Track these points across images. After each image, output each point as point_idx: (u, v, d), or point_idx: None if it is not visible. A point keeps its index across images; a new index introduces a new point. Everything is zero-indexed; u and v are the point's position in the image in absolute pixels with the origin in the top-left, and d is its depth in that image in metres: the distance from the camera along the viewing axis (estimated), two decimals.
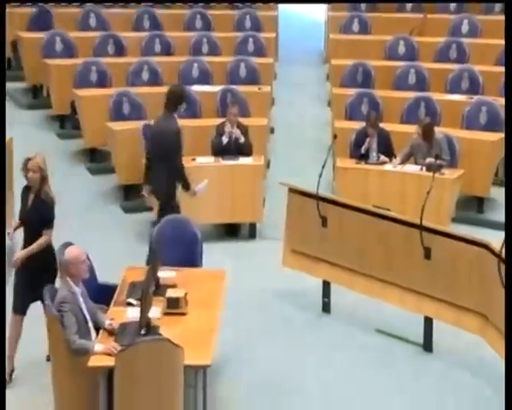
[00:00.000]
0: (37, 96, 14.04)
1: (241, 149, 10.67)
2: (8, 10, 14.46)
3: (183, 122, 11.56)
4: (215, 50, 14.11)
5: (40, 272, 7.25)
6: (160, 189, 9.43)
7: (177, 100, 9.56)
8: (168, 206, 9.24)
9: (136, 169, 10.71)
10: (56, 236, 7.50)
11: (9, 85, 14.32)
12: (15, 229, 7.62)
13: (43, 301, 6.96)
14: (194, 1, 15.67)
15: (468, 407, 7.39)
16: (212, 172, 10.43)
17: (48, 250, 7.36)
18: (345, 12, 15.39)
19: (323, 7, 16.70)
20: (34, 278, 7.27)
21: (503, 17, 14.47)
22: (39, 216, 7.27)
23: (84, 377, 6.39)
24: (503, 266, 7.33)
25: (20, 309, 7.40)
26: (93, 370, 6.26)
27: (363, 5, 15.50)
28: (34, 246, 7.23)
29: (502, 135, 11.18)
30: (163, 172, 9.35)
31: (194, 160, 10.60)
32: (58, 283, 6.90)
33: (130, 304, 6.92)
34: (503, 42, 13.52)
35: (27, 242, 7.34)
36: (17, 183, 9.64)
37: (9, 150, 9.56)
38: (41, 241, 7.25)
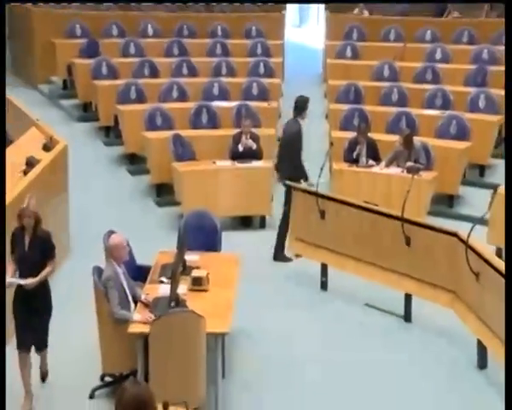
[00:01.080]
0: (87, 111, 14.01)
1: (254, 155, 10.70)
2: (63, 41, 14.69)
3: (205, 132, 11.71)
4: (232, 73, 14.12)
5: (38, 306, 6.69)
6: (286, 178, 9.64)
7: (301, 107, 9.88)
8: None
9: (167, 171, 10.77)
10: (102, 225, 7.55)
11: (65, 102, 14.47)
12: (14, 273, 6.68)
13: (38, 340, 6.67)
14: (197, 1, 15.61)
15: (437, 363, 7.45)
16: (230, 174, 10.48)
17: (45, 283, 6.73)
18: (339, 41, 15.37)
19: (322, 37, 16.69)
20: (32, 312, 6.64)
21: (469, 46, 14.57)
22: (41, 252, 6.62)
23: (124, 340, 6.44)
24: (469, 252, 7.38)
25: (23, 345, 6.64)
26: (132, 335, 6.32)
27: (354, 35, 15.51)
28: (44, 273, 6.61)
29: (469, 143, 11.31)
30: (289, 165, 9.64)
31: (214, 163, 10.62)
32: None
33: (162, 282, 6.97)
34: (469, 66, 13.66)
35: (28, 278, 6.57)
36: (72, 183, 9.76)
37: (65, 155, 9.59)
38: (49, 269, 6.68)
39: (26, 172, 8.49)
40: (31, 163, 8.70)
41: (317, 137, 12.18)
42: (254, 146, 10.71)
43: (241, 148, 10.65)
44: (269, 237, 9.95)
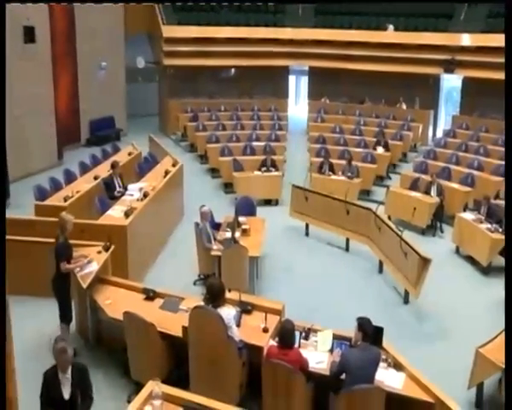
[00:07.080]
0: (192, 147, 13.85)
1: (273, 167, 10.52)
2: (182, 114, 14.47)
3: (248, 157, 11.44)
4: (262, 128, 13.83)
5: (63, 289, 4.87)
6: None
7: None
8: None
9: (230, 176, 10.58)
10: (198, 202, 7.43)
11: (182, 143, 14.21)
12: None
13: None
14: (210, 0, 14.52)
15: (358, 269, 7.36)
16: (260, 177, 10.27)
17: (63, 275, 4.80)
18: (315, 113, 15.00)
19: (306, 111, 16.17)
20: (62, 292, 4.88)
21: (375, 119, 14.12)
22: (54, 253, 4.77)
23: (209, 258, 6.40)
24: (376, 217, 7.28)
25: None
26: (213, 256, 6.30)
27: (322, 111, 15.09)
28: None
29: (376, 166, 10.99)
30: None
31: (252, 172, 10.40)
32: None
33: (227, 231, 6.88)
34: (376, 128, 13.33)
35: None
36: (185, 182, 9.51)
37: (181, 169, 9.41)
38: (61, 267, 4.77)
39: (164, 177, 8.55)
40: (166, 172, 8.72)
41: (303, 161, 11.97)
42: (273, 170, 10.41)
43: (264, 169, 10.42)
44: (280, 209, 9.76)
